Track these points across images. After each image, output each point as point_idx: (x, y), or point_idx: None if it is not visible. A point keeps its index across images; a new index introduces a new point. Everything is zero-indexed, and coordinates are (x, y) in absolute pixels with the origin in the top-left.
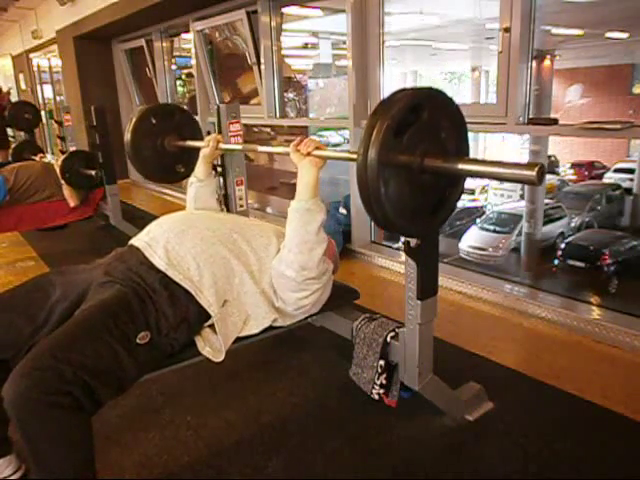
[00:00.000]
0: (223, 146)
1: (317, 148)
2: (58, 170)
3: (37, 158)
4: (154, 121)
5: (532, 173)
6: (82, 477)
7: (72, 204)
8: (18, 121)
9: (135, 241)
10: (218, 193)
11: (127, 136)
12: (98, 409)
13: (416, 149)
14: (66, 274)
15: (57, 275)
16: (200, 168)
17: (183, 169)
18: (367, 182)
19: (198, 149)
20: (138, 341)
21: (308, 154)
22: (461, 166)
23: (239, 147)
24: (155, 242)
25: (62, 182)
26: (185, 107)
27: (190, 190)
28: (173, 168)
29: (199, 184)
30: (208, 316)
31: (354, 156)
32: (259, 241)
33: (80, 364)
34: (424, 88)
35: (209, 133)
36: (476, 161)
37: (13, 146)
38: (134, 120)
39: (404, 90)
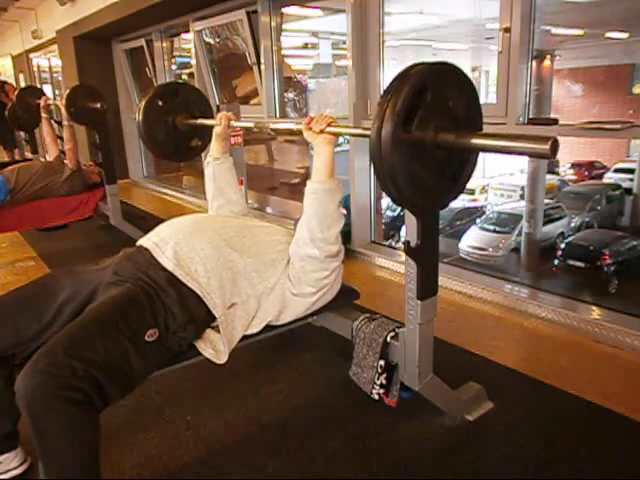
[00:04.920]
0: (235, 123)
1: (329, 125)
2: (62, 108)
3: (42, 101)
4: (161, 103)
5: (545, 147)
6: (89, 477)
7: (69, 145)
8: (18, 121)
9: (143, 242)
10: None
11: (139, 117)
12: (105, 407)
13: (429, 125)
14: (75, 274)
15: (66, 274)
16: (215, 147)
17: (200, 142)
18: (381, 159)
19: (211, 126)
20: (147, 338)
21: (321, 132)
22: (474, 141)
23: (250, 124)
24: (164, 243)
25: (65, 122)
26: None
27: (207, 171)
28: (188, 144)
29: (216, 162)
30: (214, 317)
31: (368, 132)
32: (268, 243)
33: (91, 361)
34: (437, 63)
35: (218, 109)
36: (489, 135)
37: (16, 92)
38: (143, 103)
39: (417, 65)
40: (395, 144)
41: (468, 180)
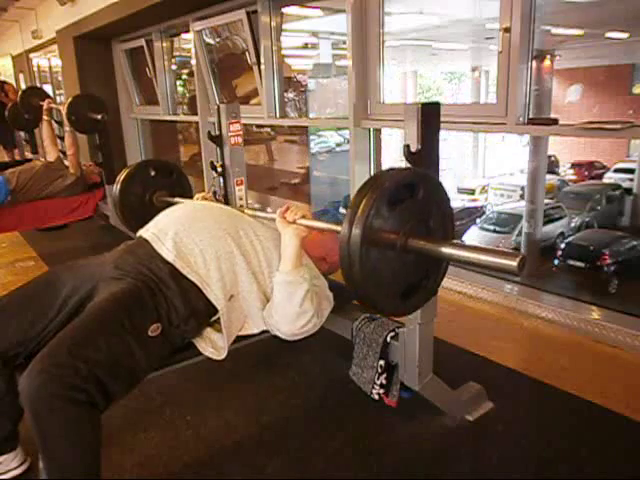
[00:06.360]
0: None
1: (303, 217)
2: (64, 114)
3: (45, 104)
4: (152, 174)
5: (513, 263)
6: (89, 477)
7: (70, 151)
8: (18, 120)
9: (144, 233)
10: (218, 193)
11: (116, 187)
12: (108, 406)
13: (401, 228)
14: (75, 268)
15: (66, 270)
16: None
17: None
18: (349, 258)
19: None
20: (150, 333)
21: (293, 222)
22: (444, 250)
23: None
24: (163, 234)
25: (66, 128)
26: (181, 167)
27: None
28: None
29: None
30: (215, 310)
31: (339, 228)
32: (262, 242)
33: (94, 361)
34: (413, 169)
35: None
36: (460, 246)
37: (20, 92)
38: (129, 169)
39: (393, 169)
40: (365, 245)
41: (424, 301)
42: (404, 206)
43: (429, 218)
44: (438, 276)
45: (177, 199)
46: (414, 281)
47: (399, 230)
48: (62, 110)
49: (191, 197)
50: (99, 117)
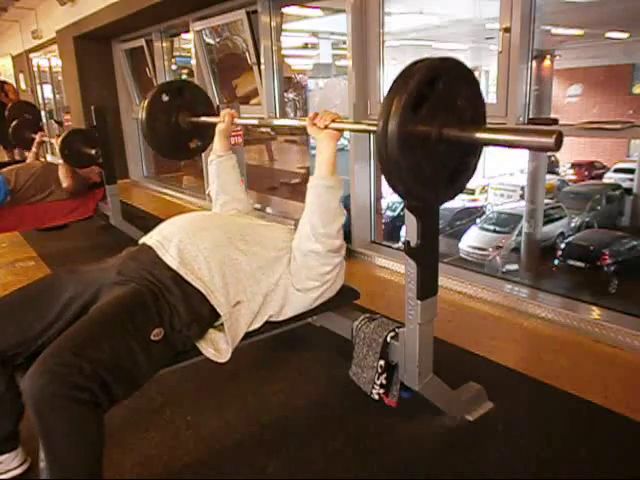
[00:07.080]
0: (238, 121)
1: (334, 120)
2: (57, 148)
3: (37, 137)
4: (166, 98)
5: (550, 140)
6: (90, 477)
7: (65, 184)
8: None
9: (147, 240)
10: None
11: (142, 114)
12: (111, 407)
13: (434, 119)
14: (78, 273)
15: (69, 274)
16: (218, 144)
17: (199, 143)
18: (387, 153)
19: (213, 125)
20: (152, 337)
21: (325, 127)
22: (478, 135)
23: (255, 122)
24: (167, 241)
25: (59, 161)
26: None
27: (211, 168)
28: (188, 144)
29: (220, 160)
30: (219, 315)
31: (373, 127)
32: (270, 239)
33: (98, 361)
34: (441, 59)
35: (218, 109)
36: (493, 130)
37: (12, 125)
38: (148, 99)
39: (421, 61)
40: (402, 137)
41: (469, 178)
42: (435, 98)
43: (460, 107)
44: (475, 157)
45: (203, 118)
46: (452, 169)
47: (433, 121)
48: (55, 144)
49: (213, 114)
50: (93, 152)
